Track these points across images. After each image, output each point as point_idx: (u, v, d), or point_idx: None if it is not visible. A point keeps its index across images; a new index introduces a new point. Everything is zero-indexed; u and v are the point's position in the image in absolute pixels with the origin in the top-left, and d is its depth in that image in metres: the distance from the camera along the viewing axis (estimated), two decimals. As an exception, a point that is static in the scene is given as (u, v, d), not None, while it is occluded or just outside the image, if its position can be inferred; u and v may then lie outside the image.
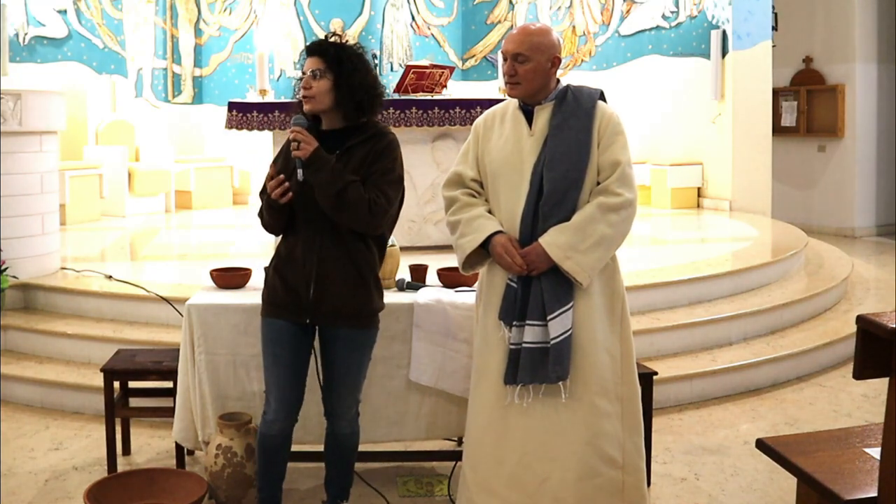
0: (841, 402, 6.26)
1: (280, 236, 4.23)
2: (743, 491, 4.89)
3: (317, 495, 4.77)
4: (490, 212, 4.03)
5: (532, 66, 3.92)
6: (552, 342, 3.80)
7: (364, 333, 4.19)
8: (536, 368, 3.83)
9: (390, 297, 4.58)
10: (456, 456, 4.77)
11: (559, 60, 4.01)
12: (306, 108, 4.06)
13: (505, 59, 4.00)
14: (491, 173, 4.04)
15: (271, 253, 4.29)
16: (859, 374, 3.95)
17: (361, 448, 4.48)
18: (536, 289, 3.85)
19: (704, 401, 6.28)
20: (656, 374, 5.07)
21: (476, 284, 4.37)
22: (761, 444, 3.57)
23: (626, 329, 4.04)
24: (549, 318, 3.81)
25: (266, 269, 4.23)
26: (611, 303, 3.99)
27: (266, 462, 4.25)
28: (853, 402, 6.25)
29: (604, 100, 4.05)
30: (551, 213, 3.85)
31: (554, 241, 3.80)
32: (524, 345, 3.85)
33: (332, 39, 4.09)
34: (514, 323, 3.90)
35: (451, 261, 4.40)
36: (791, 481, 3.69)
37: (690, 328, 6.83)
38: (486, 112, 4.22)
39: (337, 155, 3.99)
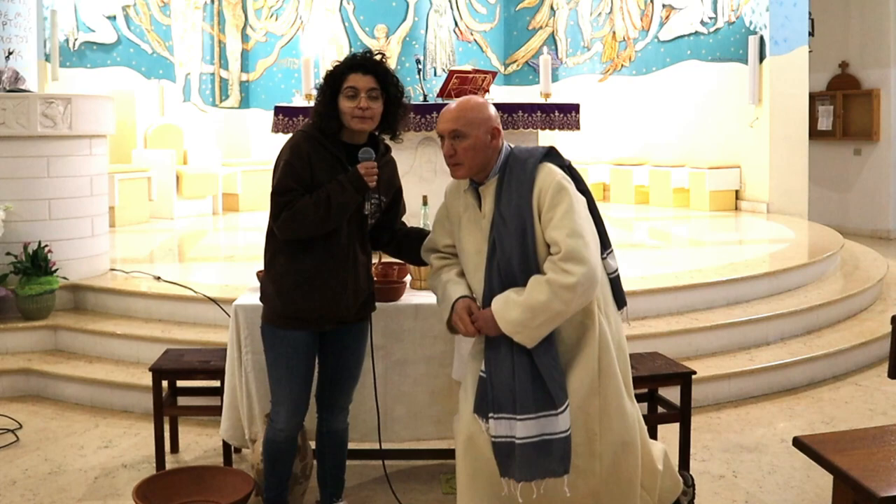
0: (876, 401, 6.30)
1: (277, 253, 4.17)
2: (780, 488, 4.95)
3: (315, 495, 4.76)
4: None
5: (470, 142, 3.80)
6: (560, 434, 3.67)
7: (366, 322, 4.36)
8: (535, 462, 3.67)
9: (432, 297, 4.55)
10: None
11: (499, 132, 3.87)
12: (359, 127, 3.99)
13: (442, 140, 3.88)
14: (458, 249, 4.05)
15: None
16: (895, 374, 4.04)
17: (405, 446, 4.50)
18: (520, 380, 3.71)
19: (742, 399, 6.35)
20: (695, 373, 5.15)
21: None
22: (798, 442, 3.64)
23: (604, 381, 3.80)
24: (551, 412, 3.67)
25: (281, 282, 4.11)
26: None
27: (273, 465, 4.31)
28: (889, 400, 6.29)
29: (550, 156, 3.87)
30: (508, 289, 3.77)
31: (505, 316, 3.69)
32: (518, 440, 3.68)
33: (377, 57, 4.04)
34: (491, 415, 3.73)
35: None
36: (827, 478, 3.77)
37: (728, 328, 6.90)
38: (451, 182, 4.12)
39: None
